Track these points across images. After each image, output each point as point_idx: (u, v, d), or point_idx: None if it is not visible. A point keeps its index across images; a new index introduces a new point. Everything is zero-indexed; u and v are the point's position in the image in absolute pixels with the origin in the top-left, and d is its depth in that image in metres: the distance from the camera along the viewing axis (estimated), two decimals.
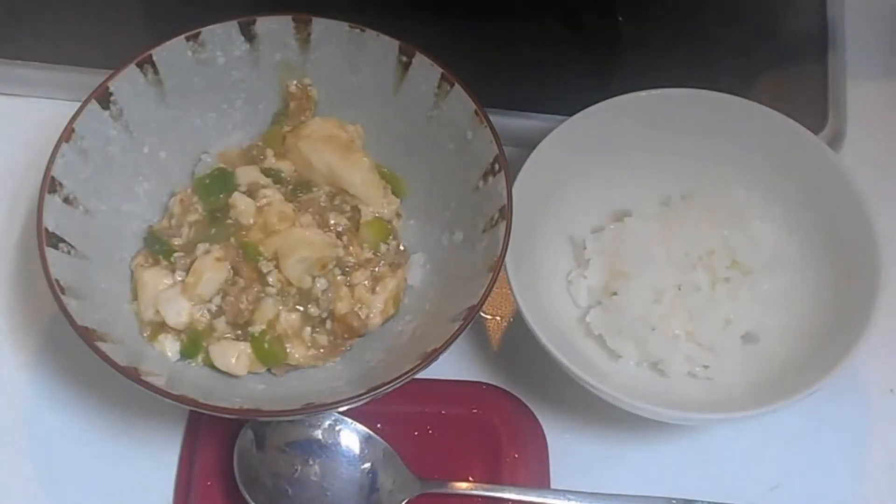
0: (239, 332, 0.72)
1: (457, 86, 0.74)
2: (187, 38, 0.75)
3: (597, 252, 0.77)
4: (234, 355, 0.72)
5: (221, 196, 0.75)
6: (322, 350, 0.73)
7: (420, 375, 0.67)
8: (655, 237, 0.76)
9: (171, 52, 0.75)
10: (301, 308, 0.73)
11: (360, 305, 0.73)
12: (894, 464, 0.76)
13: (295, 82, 0.79)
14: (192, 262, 0.73)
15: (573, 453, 0.75)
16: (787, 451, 0.76)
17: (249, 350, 0.72)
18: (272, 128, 0.79)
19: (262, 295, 0.72)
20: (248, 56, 0.77)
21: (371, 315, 0.74)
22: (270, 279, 0.72)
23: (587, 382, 0.69)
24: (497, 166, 0.72)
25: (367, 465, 0.72)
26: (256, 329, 0.72)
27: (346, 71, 0.78)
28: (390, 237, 0.77)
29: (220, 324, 0.72)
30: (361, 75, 0.78)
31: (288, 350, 0.72)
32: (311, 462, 0.71)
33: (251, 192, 0.75)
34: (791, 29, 0.91)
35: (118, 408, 0.75)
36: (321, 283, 0.73)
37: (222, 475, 0.72)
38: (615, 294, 0.76)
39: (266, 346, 0.72)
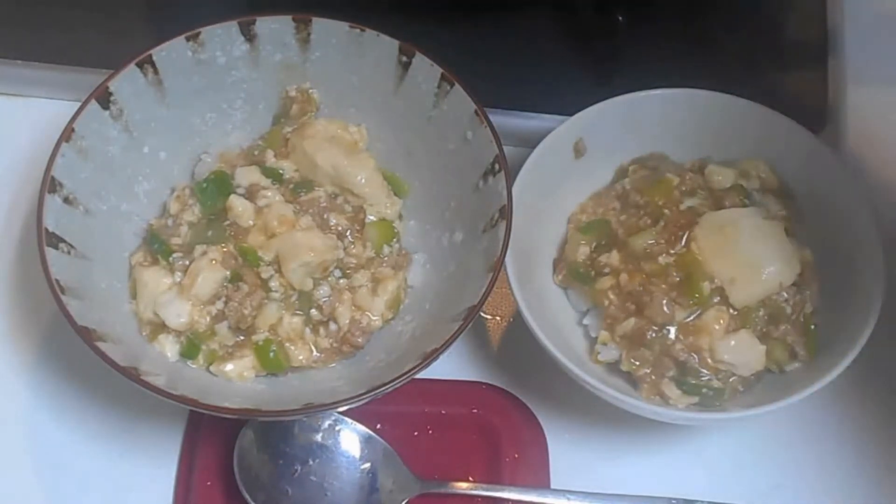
0: (241, 337, 0.73)
1: (457, 86, 0.74)
2: (187, 38, 0.75)
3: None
4: (239, 371, 0.72)
5: (220, 200, 0.75)
6: (324, 354, 0.73)
7: (420, 375, 0.67)
8: None
9: (171, 52, 0.75)
10: (302, 312, 0.73)
11: (361, 313, 0.73)
12: (894, 464, 0.76)
13: (294, 87, 0.79)
14: (191, 264, 0.73)
15: (573, 453, 0.75)
16: (787, 451, 0.76)
17: (253, 363, 0.72)
18: (273, 129, 0.79)
19: (266, 301, 0.72)
20: (248, 56, 0.77)
21: (372, 321, 0.74)
22: (272, 284, 0.72)
23: (587, 382, 0.69)
24: (497, 166, 0.72)
25: (367, 465, 0.72)
26: (260, 337, 0.72)
27: (346, 71, 0.78)
28: (394, 240, 0.77)
29: (222, 328, 0.72)
30: (361, 75, 0.78)
31: (291, 351, 0.72)
32: (311, 462, 0.71)
33: (251, 194, 0.75)
34: (791, 29, 0.91)
35: (118, 408, 0.75)
36: (324, 290, 0.73)
37: (222, 475, 0.72)
38: None
39: (271, 355, 0.72)
